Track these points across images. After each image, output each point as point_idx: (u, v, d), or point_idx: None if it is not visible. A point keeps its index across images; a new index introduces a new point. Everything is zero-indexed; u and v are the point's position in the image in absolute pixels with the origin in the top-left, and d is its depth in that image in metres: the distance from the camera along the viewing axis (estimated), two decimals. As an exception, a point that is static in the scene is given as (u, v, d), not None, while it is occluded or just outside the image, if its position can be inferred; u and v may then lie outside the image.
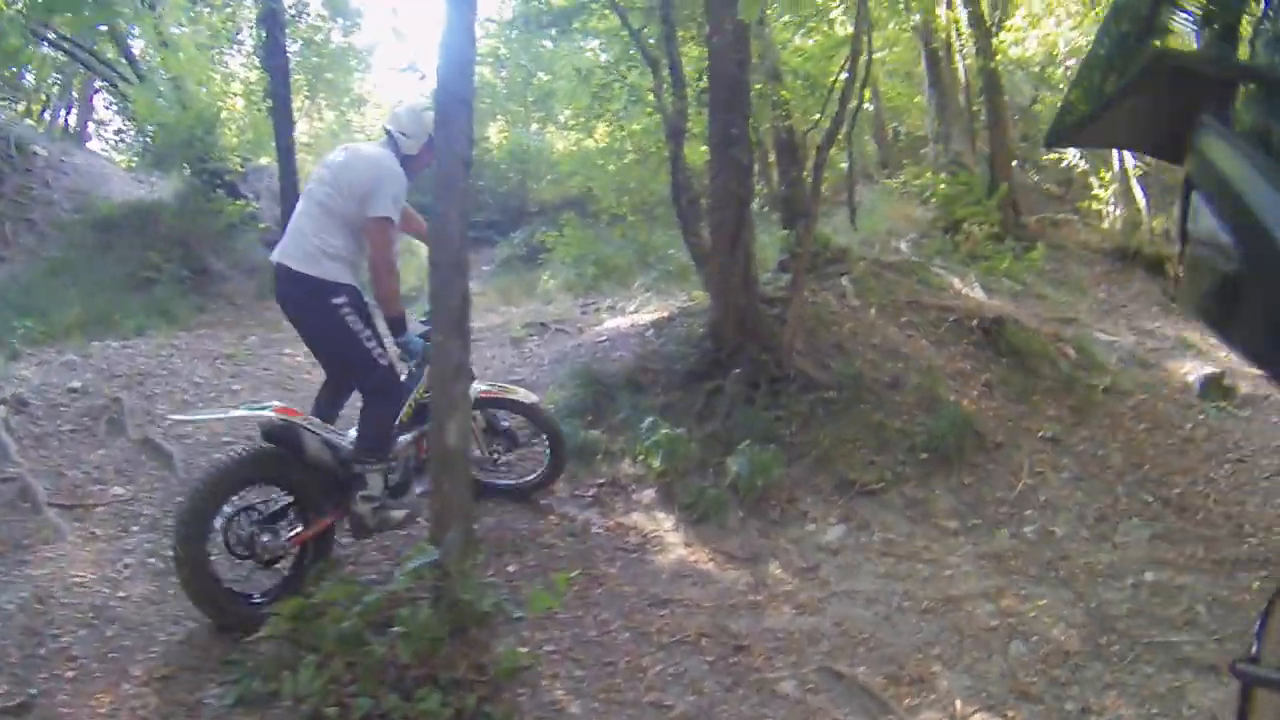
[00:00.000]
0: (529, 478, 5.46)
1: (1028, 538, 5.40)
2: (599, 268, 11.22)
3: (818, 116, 8.98)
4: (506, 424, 5.30)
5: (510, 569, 4.77)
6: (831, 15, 11.71)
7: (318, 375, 4.69)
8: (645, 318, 8.33)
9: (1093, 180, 14.23)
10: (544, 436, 5.31)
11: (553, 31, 11.46)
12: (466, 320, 3.67)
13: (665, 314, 8.22)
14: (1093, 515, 5.80)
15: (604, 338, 8.02)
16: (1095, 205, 14.28)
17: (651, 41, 7.80)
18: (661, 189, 10.08)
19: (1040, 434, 6.69)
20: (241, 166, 13.17)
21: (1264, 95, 0.91)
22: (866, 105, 8.49)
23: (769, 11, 9.35)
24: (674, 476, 5.66)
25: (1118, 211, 14.08)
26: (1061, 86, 16.86)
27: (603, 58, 11.89)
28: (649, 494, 5.67)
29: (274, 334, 8.98)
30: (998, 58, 13.26)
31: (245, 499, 4.04)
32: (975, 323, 7.79)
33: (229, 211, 11.81)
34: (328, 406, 4.28)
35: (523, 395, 5.08)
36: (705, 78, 7.22)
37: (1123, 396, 8.12)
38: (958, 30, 14.19)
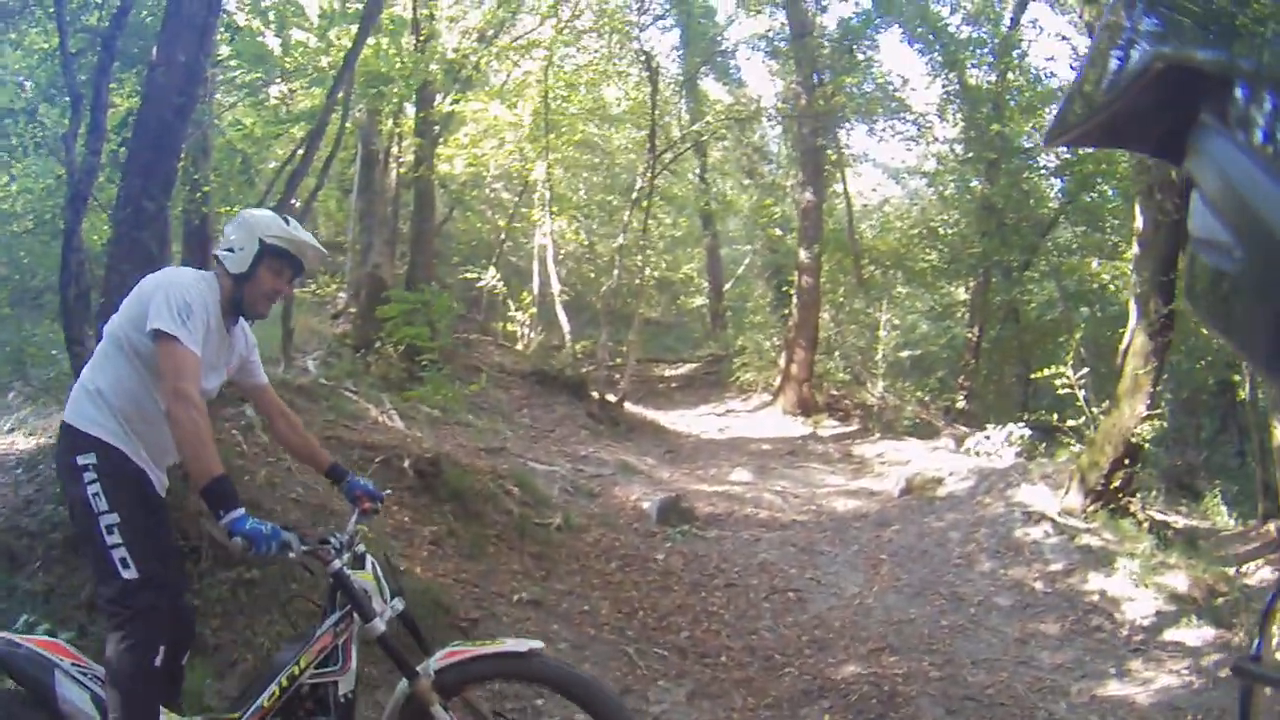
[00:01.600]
0: None
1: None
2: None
3: (237, 207, 8.91)
4: None
5: None
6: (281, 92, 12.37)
7: None
8: (20, 446, 7.78)
9: (510, 302, 16.46)
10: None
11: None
12: None
13: (46, 443, 7.62)
14: (614, 688, 5.96)
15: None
16: (510, 326, 16.40)
17: (84, 79, 7.61)
18: (53, 272, 10.08)
19: (516, 597, 6.82)
20: None
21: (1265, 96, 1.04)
22: (295, 203, 9.07)
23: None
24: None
25: (533, 334, 16.26)
26: (482, 208, 20.26)
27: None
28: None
29: None
30: (434, 171, 15.29)
31: None
32: (408, 463, 8.01)
33: None
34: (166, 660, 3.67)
35: (512, 645, 3.94)
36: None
37: (579, 534, 8.80)
38: (400, 136, 15.84)
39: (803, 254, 17.61)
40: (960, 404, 17.84)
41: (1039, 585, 8.47)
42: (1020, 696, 6.22)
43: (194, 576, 5.72)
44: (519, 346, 16.82)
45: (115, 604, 3.56)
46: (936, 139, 20.33)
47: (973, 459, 13.04)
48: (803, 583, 8.64)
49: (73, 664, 3.65)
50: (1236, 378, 15.56)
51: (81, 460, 3.60)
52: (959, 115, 19.53)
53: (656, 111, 17.44)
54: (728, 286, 24.19)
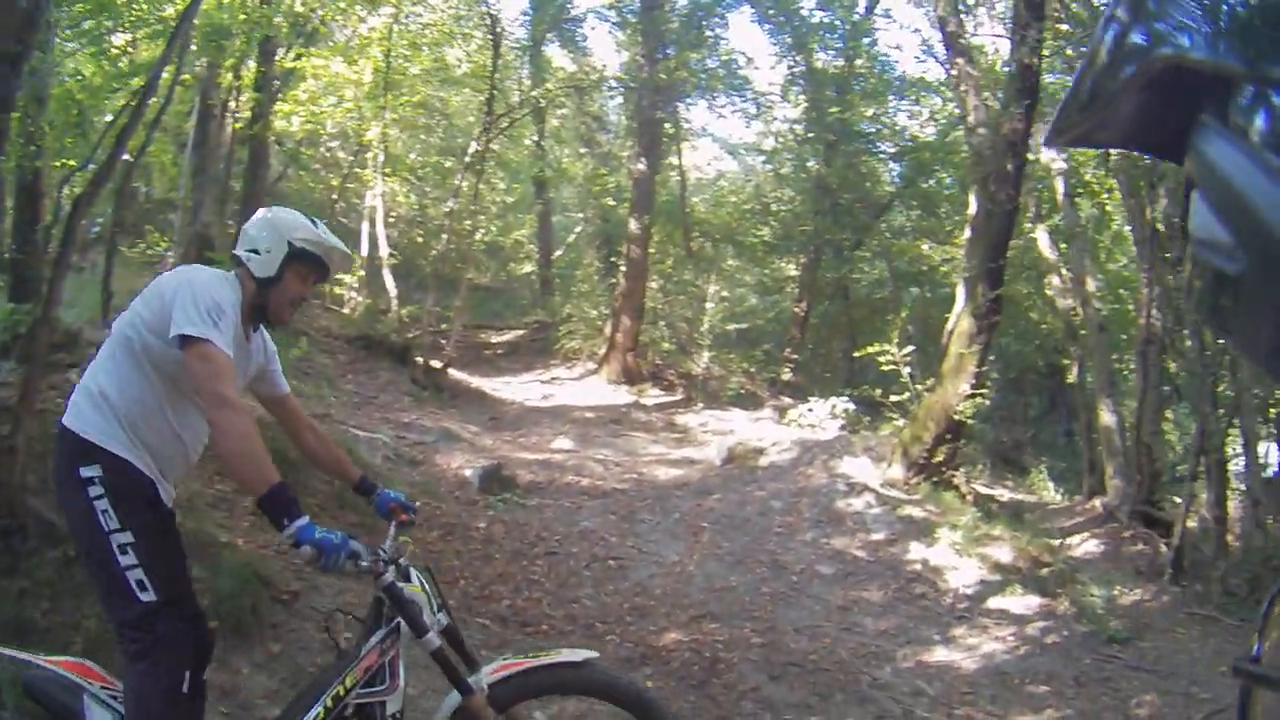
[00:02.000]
0: None
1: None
2: None
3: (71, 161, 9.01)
4: None
5: None
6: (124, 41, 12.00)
7: None
8: None
9: None
10: None
11: None
12: None
13: None
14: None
15: None
16: (338, 290, 16.08)
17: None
18: None
19: None
20: None
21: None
22: (128, 157, 8.80)
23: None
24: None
25: (360, 298, 16.06)
26: (317, 167, 20.07)
27: None
28: None
29: None
30: (270, 128, 15.20)
31: None
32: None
33: None
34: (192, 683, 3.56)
35: (567, 655, 3.86)
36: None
37: None
38: (238, 91, 15.37)
39: (633, 224, 17.81)
40: (786, 376, 18.33)
41: (861, 554, 8.68)
42: (844, 662, 6.33)
43: (20, 556, 5.58)
44: (346, 310, 16.45)
45: (135, 630, 3.36)
46: (775, 118, 20.80)
47: (796, 430, 13.35)
48: (624, 551, 8.66)
49: (102, 687, 3.47)
50: (1065, 361, 16.48)
51: (85, 472, 3.39)
52: (802, 96, 20.02)
53: (497, 75, 17.26)
54: (557, 254, 24.30)
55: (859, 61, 19.77)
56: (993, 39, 15.95)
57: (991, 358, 12.11)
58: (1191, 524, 9.97)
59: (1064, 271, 14.78)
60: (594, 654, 3.92)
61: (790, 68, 19.83)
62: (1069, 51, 12.87)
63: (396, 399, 13.23)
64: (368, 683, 3.50)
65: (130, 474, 3.44)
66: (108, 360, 3.54)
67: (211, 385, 3.31)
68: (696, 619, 7.00)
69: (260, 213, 3.89)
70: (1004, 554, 8.82)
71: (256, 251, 3.68)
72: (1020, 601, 8.09)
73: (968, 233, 11.70)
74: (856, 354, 15.70)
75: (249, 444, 3.28)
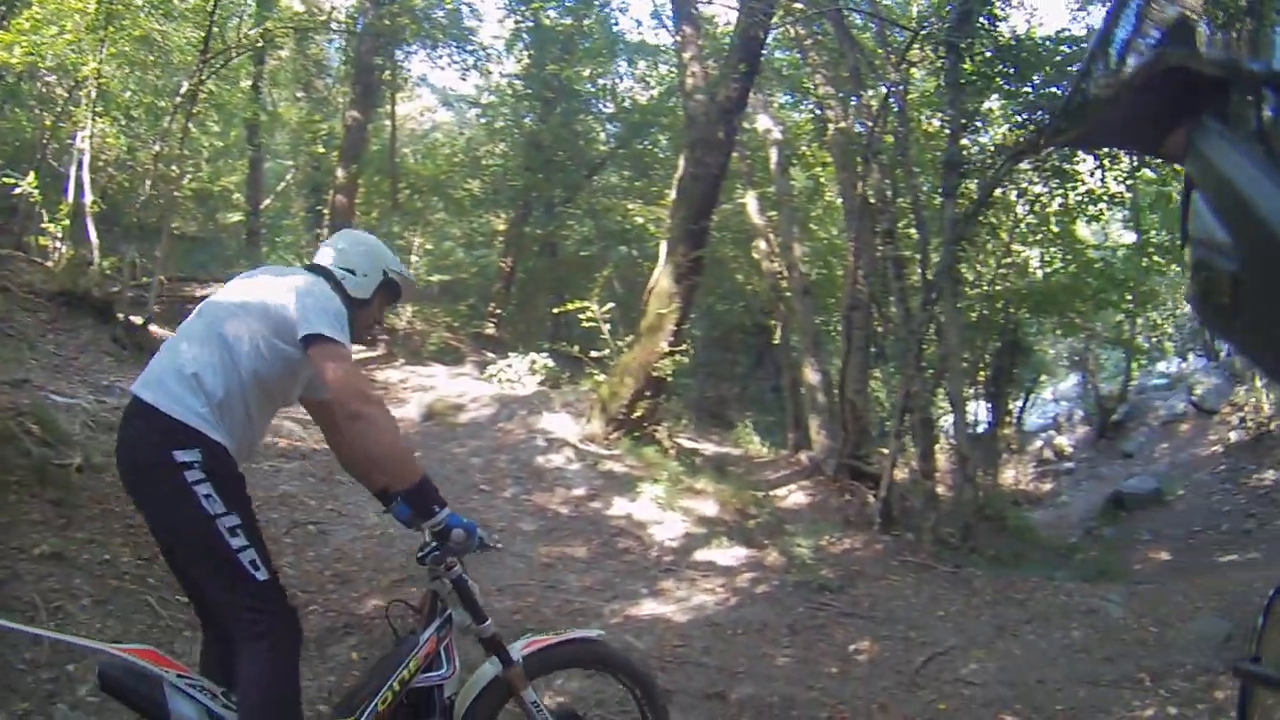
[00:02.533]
0: None
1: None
2: None
3: None
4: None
5: None
6: None
7: None
8: None
9: (44, 212, 15.05)
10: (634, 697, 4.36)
11: None
12: None
13: None
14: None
15: None
16: (44, 241, 15.14)
17: None
18: None
19: (37, 551, 6.36)
20: None
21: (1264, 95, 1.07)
22: None
23: None
24: None
25: (65, 249, 15.09)
26: (32, 104, 18.68)
27: None
28: None
29: None
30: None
31: None
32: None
33: None
34: (217, 666, 3.67)
35: (581, 632, 4.39)
36: None
37: (100, 474, 8.20)
38: None
39: (340, 173, 17.46)
40: (490, 331, 18.44)
41: (563, 510, 8.86)
42: (550, 620, 6.43)
43: None
44: (50, 264, 15.09)
45: (255, 611, 3.46)
46: (494, 72, 20.87)
47: (495, 386, 13.52)
48: (324, 514, 8.48)
49: (178, 675, 3.47)
50: (771, 321, 17.38)
51: (183, 456, 3.42)
52: (526, 52, 20.17)
53: (218, 12, 16.15)
54: (266, 203, 23.21)
55: (587, 22, 20.10)
56: (725, 9, 16.44)
57: (694, 316, 12.61)
58: (900, 476, 10.77)
59: (771, 236, 15.60)
60: (601, 632, 4.54)
61: (517, 22, 19.90)
62: (798, 29, 13.45)
63: (96, 360, 12.42)
64: (426, 668, 3.77)
65: (225, 458, 3.49)
66: (200, 344, 3.56)
67: (356, 384, 3.46)
68: (398, 583, 6.95)
69: (351, 234, 4.14)
70: (709, 507, 9.21)
71: (353, 272, 3.88)
72: (728, 553, 8.45)
73: (673, 194, 12.12)
74: (555, 310, 15.98)
75: (398, 438, 3.50)
